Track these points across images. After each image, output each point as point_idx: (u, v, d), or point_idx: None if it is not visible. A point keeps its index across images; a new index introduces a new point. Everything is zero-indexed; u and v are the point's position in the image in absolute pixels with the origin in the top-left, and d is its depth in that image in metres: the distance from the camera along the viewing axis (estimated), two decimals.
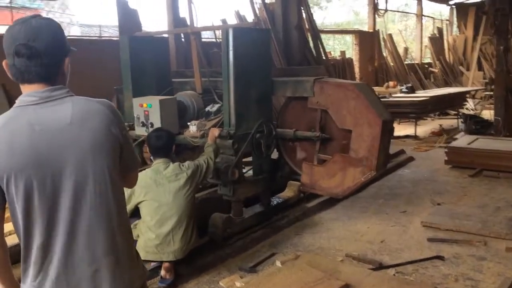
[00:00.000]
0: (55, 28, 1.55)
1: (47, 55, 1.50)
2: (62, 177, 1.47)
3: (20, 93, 1.53)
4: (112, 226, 1.57)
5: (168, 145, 3.55)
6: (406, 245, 4.17)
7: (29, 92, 1.50)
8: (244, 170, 4.61)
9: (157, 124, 4.41)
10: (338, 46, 23.02)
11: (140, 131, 4.63)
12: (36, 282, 1.52)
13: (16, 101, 1.51)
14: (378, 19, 14.74)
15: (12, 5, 12.23)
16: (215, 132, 4.12)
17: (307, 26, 10.17)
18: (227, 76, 4.22)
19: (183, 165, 3.50)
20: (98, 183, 1.52)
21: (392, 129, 4.66)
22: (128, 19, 6.73)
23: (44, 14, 17.06)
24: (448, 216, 4.62)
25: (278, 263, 3.80)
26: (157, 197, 3.31)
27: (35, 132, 1.44)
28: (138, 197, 3.34)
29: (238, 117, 4.27)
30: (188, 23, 6.85)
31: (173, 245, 3.32)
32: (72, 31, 17.02)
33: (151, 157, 3.62)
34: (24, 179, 1.43)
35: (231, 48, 4.14)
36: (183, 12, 7.25)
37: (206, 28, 5.76)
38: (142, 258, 3.31)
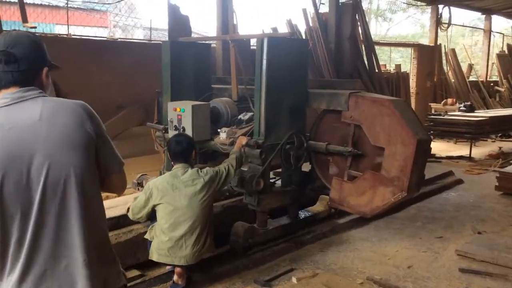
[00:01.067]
0: (34, 39, 1.62)
1: (24, 62, 1.56)
2: (32, 172, 1.50)
3: None
4: (80, 224, 1.56)
5: (187, 150, 3.57)
6: (435, 273, 3.93)
7: (2, 95, 1.56)
8: (271, 181, 4.55)
9: (189, 128, 4.45)
10: (401, 59, 22.37)
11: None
12: (14, 276, 1.55)
13: None
14: (443, 33, 14.14)
15: (81, 7, 12.92)
16: (243, 140, 4.11)
17: (361, 38, 9.93)
18: (259, 85, 4.19)
19: (201, 171, 3.50)
20: (68, 178, 1.53)
21: (429, 150, 4.41)
22: (178, 24, 6.87)
23: (111, 17, 17.84)
24: (487, 247, 4.31)
25: (294, 280, 3.70)
26: (173, 201, 3.34)
27: (5, 131, 1.49)
28: (155, 200, 3.38)
29: (268, 127, 4.22)
30: (236, 30, 6.94)
31: (185, 250, 3.32)
32: (136, 34, 17.68)
33: (172, 162, 3.66)
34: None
35: (264, 57, 4.11)
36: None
37: (244, 36, 5.77)
38: (155, 260, 3.39)
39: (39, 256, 1.54)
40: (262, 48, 4.11)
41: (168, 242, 3.32)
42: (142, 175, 5.29)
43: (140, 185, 5.18)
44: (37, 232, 1.53)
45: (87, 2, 15.15)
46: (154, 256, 3.39)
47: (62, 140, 1.52)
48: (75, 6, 11.57)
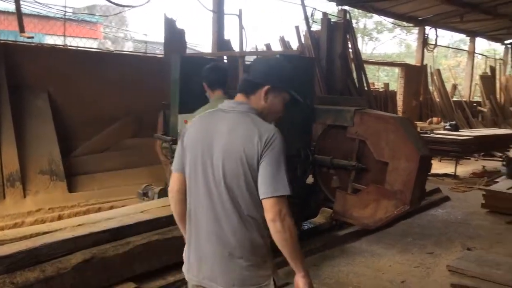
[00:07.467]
0: (275, 64, 2.05)
1: (252, 74, 1.99)
2: (208, 166, 1.91)
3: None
4: (235, 223, 1.90)
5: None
6: None
7: (230, 101, 2.00)
8: None
9: None
10: (386, 78, 22.92)
11: None
12: (188, 244, 2.07)
13: (220, 104, 1.99)
14: (428, 54, 14.60)
15: (72, 18, 12.98)
16: None
17: (351, 56, 10.22)
18: None
19: None
20: (233, 183, 1.87)
21: (430, 165, 4.63)
22: (175, 38, 7.00)
23: (101, 29, 17.85)
24: (476, 263, 4.45)
25: None
26: None
27: (207, 131, 1.94)
28: None
29: None
30: (234, 46, 7.10)
31: None
32: (126, 46, 17.80)
33: None
34: (191, 156, 1.96)
35: None
36: (227, 35, 7.53)
37: (254, 53, 5.96)
38: None
39: (195, 234, 2.03)
40: None
41: None
42: (148, 185, 5.38)
43: (145, 195, 5.26)
44: (197, 216, 2.01)
45: (77, 13, 15.24)
46: None
47: (234, 152, 1.86)
48: (67, 17, 11.61)
